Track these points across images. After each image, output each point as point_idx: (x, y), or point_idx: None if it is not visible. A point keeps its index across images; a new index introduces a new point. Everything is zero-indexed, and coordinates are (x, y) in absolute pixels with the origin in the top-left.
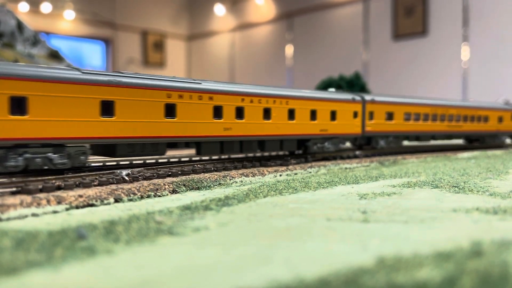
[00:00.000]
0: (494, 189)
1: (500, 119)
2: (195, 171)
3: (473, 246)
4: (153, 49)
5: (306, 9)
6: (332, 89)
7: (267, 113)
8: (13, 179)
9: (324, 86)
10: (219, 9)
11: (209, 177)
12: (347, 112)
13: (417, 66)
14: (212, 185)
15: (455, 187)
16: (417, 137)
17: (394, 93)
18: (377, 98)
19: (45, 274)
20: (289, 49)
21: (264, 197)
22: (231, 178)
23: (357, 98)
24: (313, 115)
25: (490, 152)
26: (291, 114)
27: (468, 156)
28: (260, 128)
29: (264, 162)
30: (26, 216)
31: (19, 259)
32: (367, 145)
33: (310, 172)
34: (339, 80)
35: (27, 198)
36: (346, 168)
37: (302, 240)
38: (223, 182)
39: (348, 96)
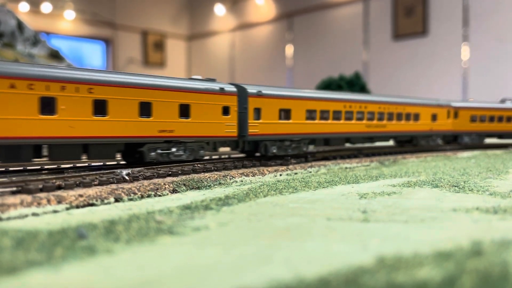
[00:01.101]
0: (494, 189)
1: (434, 117)
2: (195, 171)
3: (473, 245)
4: (153, 49)
5: (306, 9)
6: (198, 76)
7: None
8: (13, 178)
9: (324, 86)
10: (219, 9)
11: (209, 177)
12: (210, 107)
13: (417, 66)
14: (212, 185)
15: (455, 186)
16: (325, 140)
17: (394, 93)
18: (266, 91)
19: (45, 273)
20: (289, 49)
21: (264, 196)
22: (231, 177)
23: (229, 88)
24: (146, 109)
25: (490, 152)
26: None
27: (468, 156)
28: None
29: (264, 161)
30: (26, 216)
31: (19, 258)
32: (255, 152)
33: (310, 172)
34: (339, 80)
35: (28, 198)
36: (346, 168)
37: (302, 239)
38: (223, 182)
39: (212, 85)
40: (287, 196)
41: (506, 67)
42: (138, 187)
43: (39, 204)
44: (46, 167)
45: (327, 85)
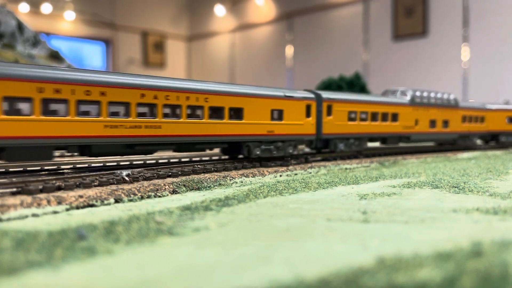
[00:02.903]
0: (494, 190)
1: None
2: (195, 172)
3: (473, 246)
4: (153, 50)
5: (306, 10)
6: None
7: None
8: (14, 179)
9: (324, 86)
10: (219, 10)
11: (209, 178)
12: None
13: (417, 67)
14: (212, 186)
15: (455, 187)
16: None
17: None
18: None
19: (45, 274)
20: (289, 50)
21: (264, 197)
22: (231, 178)
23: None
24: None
25: (490, 153)
26: None
27: (468, 157)
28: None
29: (264, 162)
30: (26, 217)
31: (19, 259)
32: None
33: (310, 173)
34: (339, 80)
35: (28, 199)
36: (346, 169)
37: (302, 240)
38: (223, 183)
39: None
40: (287, 197)
41: (506, 68)
42: (138, 188)
43: (39, 204)
44: (45, 168)
45: (327, 85)
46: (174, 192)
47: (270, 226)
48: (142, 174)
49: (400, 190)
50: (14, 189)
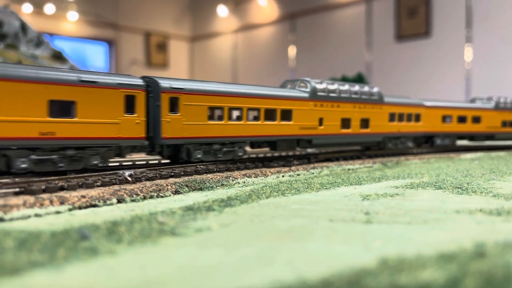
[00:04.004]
0: (497, 190)
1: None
2: (197, 172)
3: (477, 247)
4: (156, 50)
5: (309, 10)
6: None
7: None
8: (16, 179)
9: None
10: (222, 10)
11: (211, 178)
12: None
13: (420, 67)
14: (214, 186)
15: (459, 188)
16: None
17: (398, 94)
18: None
19: (47, 274)
20: (292, 50)
21: (267, 198)
22: (233, 179)
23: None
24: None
25: (493, 154)
26: None
27: (471, 157)
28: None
29: (266, 163)
30: (29, 217)
31: (21, 259)
32: None
33: (313, 173)
34: (342, 81)
35: (30, 199)
36: (348, 169)
37: (304, 241)
38: (225, 183)
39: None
40: (289, 198)
41: (509, 69)
42: (140, 188)
43: (41, 205)
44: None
45: None
46: (176, 192)
47: (273, 226)
48: (144, 174)
49: (403, 191)
50: (17, 189)
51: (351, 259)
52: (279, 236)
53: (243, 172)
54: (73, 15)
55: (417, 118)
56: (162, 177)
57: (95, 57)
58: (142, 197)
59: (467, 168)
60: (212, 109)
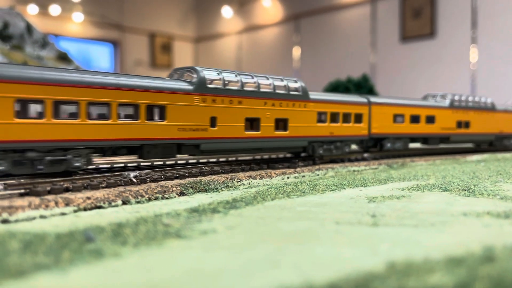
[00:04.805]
0: (505, 193)
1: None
2: (202, 173)
3: (485, 251)
4: (161, 51)
5: (314, 11)
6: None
7: None
8: (22, 180)
9: (332, 88)
10: (227, 11)
11: (216, 180)
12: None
13: (425, 68)
14: (219, 188)
15: (465, 190)
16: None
17: (401, 95)
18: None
19: (52, 277)
20: (296, 51)
21: (272, 200)
22: (238, 180)
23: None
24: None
25: (500, 155)
26: None
27: (477, 159)
28: None
29: (271, 164)
30: (34, 218)
31: (27, 261)
32: None
33: (318, 175)
34: (346, 82)
35: (35, 200)
36: (354, 171)
37: (310, 244)
38: (230, 185)
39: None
40: (295, 199)
41: None
42: (145, 190)
43: (47, 206)
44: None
45: (335, 87)
46: (181, 194)
47: (278, 229)
48: (149, 175)
49: (409, 193)
50: (22, 191)
51: (358, 262)
52: (285, 238)
53: (248, 173)
54: (78, 16)
55: (358, 118)
56: (167, 178)
57: (100, 58)
58: (147, 198)
59: (473, 170)
60: (22, 102)
